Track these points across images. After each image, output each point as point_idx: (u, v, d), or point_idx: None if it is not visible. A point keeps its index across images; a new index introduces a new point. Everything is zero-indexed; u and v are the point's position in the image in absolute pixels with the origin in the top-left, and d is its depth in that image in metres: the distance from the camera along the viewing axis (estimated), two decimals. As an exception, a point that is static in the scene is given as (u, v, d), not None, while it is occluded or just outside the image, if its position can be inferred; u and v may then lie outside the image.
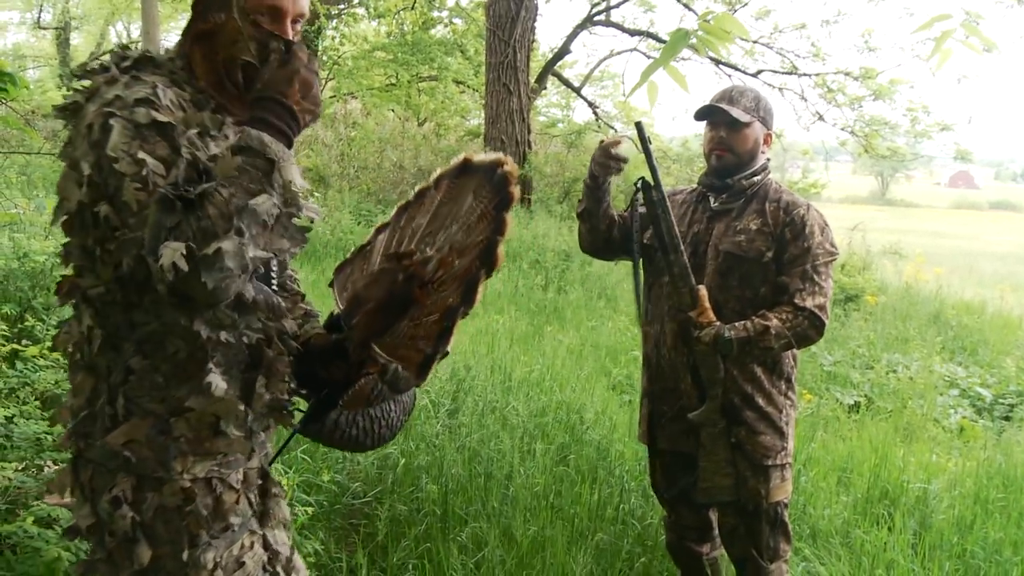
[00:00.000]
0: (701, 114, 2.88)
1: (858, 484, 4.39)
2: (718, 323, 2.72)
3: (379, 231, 1.95)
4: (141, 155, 1.43)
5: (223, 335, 1.55)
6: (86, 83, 1.56)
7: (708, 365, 2.76)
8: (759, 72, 15.67)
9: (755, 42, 15.45)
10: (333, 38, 19.14)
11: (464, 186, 1.81)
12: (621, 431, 4.52)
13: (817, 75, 15.40)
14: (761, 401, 2.78)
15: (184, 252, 1.32)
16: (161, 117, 1.48)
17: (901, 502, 4.20)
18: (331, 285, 1.97)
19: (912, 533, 3.89)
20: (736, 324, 2.71)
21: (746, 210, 2.82)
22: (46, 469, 3.08)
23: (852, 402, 6.46)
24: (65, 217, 1.53)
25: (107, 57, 1.61)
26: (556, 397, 4.98)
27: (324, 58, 18.92)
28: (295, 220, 1.47)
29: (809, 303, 2.68)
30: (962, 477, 4.66)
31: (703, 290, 2.75)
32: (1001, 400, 7.07)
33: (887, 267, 12.59)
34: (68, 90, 1.58)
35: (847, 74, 15.20)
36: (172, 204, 1.35)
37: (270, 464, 1.80)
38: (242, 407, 1.62)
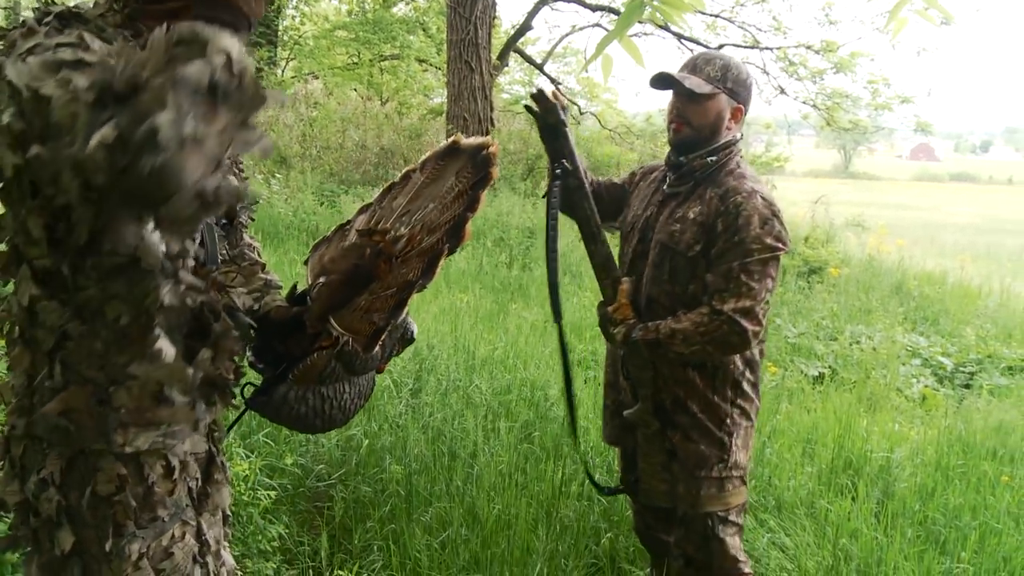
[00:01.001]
0: (654, 82, 2.59)
1: (822, 455, 4.41)
2: (632, 320, 2.56)
3: (361, 211, 1.90)
4: (66, 75, 1.22)
5: (167, 296, 1.42)
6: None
7: (634, 363, 2.61)
8: (721, 46, 15.65)
9: (717, 16, 15.45)
10: (293, 17, 18.95)
11: (447, 167, 1.80)
12: (586, 407, 4.50)
13: (779, 48, 15.44)
14: (695, 407, 2.57)
15: (112, 134, 1.10)
16: (89, 56, 1.30)
17: (865, 471, 4.24)
18: (305, 263, 1.91)
19: (875, 502, 3.92)
20: (648, 324, 2.52)
21: (692, 195, 2.56)
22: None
23: (816, 373, 6.50)
24: (1, 185, 1.43)
25: (28, 14, 1.49)
26: (520, 375, 4.96)
27: (284, 38, 18.71)
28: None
29: (728, 306, 2.39)
30: (924, 445, 4.72)
31: (626, 284, 2.60)
32: (961, 368, 7.16)
33: (850, 239, 12.66)
34: None
35: (808, 47, 15.25)
36: (103, 102, 1.14)
37: (223, 441, 1.75)
38: (190, 371, 1.53)
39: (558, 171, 2.56)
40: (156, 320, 1.45)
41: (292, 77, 18.03)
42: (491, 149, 1.73)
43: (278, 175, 11.98)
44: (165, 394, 1.53)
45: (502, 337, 5.80)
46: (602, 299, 2.67)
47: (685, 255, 2.52)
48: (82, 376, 1.49)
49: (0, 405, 1.66)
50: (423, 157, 1.85)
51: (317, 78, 18.12)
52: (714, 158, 2.55)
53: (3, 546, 1.61)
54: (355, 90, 18.14)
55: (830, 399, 5.59)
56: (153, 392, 1.52)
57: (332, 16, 20.09)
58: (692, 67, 2.57)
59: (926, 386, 6.54)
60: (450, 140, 1.82)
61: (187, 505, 1.63)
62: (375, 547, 3.23)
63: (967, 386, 6.86)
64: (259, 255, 1.90)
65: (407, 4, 18.33)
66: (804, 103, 15.68)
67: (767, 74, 15.69)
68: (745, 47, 15.71)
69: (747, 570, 2.69)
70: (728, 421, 2.58)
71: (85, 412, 1.50)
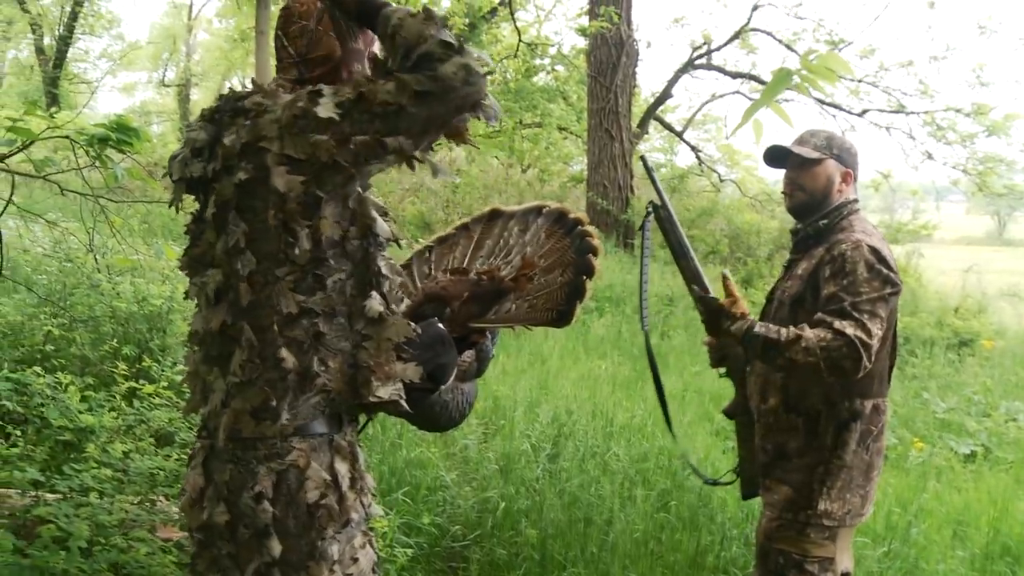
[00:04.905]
0: (768, 157, 2.84)
1: (975, 538, 4.21)
2: (752, 318, 2.63)
3: (419, 255, 2.49)
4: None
5: (383, 266, 1.84)
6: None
7: (732, 355, 2.84)
8: (865, 111, 15.36)
9: (860, 81, 15.16)
10: (438, 87, 19.53)
11: (499, 226, 2.41)
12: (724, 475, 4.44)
13: (926, 113, 15.01)
14: (793, 451, 2.67)
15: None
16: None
17: (1026, 559, 4.01)
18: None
19: (1039, 592, 3.71)
20: (770, 325, 2.60)
21: (805, 255, 2.75)
22: (159, 503, 3.20)
23: (968, 451, 6.19)
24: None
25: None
26: (658, 443, 4.93)
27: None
28: None
29: (851, 332, 2.44)
30: (1093, 534, 4.42)
31: (731, 280, 2.73)
32: None
33: (1005, 310, 12.10)
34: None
35: (958, 111, 14.77)
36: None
37: (359, 434, 1.97)
38: (413, 327, 1.85)
39: (650, 207, 2.82)
40: (374, 284, 1.82)
41: (437, 145, 18.55)
42: (552, 205, 2.38)
43: (421, 240, 12.32)
44: (400, 351, 1.82)
45: (640, 404, 5.79)
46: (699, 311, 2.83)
47: (788, 304, 2.71)
48: (335, 349, 1.78)
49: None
50: (462, 221, 2.49)
51: (459, 146, 18.60)
52: (826, 221, 2.73)
53: (203, 568, 1.82)
54: (497, 158, 18.54)
55: (983, 479, 5.34)
56: (391, 348, 1.80)
57: (475, 86, 20.63)
58: (799, 142, 2.80)
59: (1094, 469, 6.14)
60: (488, 209, 2.46)
61: (366, 517, 1.87)
62: (509, 610, 3.26)
63: None
64: None
65: (548, 74, 18.70)
66: (953, 168, 15.17)
67: (913, 139, 15.25)
68: (890, 111, 15.35)
69: None
70: (821, 469, 2.62)
71: (341, 378, 1.78)
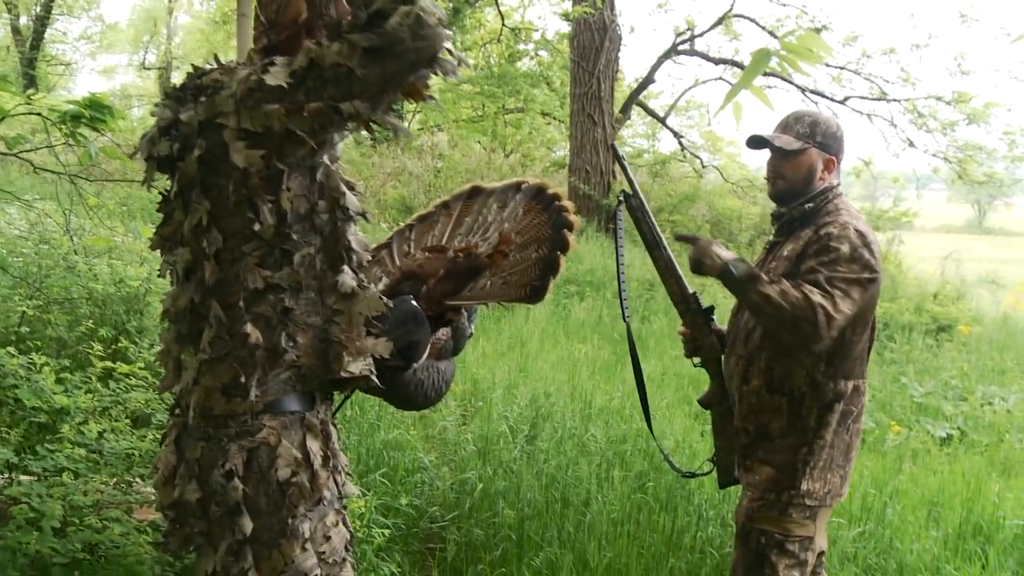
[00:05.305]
0: (750, 142, 2.84)
1: (949, 519, 4.24)
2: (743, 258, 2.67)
3: (398, 235, 2.57)
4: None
5: (352, 239, 1.86)
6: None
7: (707, 345, 2.81)
8: (846, 99, 15.37)
9: (842, 68, 15.17)
10: (420, 71, 19.44)
11: (478, 203, 2.44)
12: (701, 459, 4.46)
13: (907, 100, 15.04)
14: (776, 432, 2.67)
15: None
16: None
17: (997, 539, 4.05)
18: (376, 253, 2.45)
19: (1011, 573, 3.74)
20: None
21: (789, 238, 2.76)
22: (135, 484, 3.19)
23: (944, 435, 6.24)
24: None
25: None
26: (636, 425, 4.94)
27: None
28: None
29: (815, 298, 2.47)
30: (1065, 515, 4.46)
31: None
32: (1108, 435, 6.74)
33: (983, 297, 12.19)
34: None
35: (939, 99, 14.80)
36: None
37: (334, 414, 1.99)
38: (386, 302, 1.88)
39: (621, 196, 2.83)
40: (344, 258, 1.83)
41: (419, 129, 18.49)
42: (531, 182, 2.39)
43: (402, 223, 12.27)
44: (372, 326, 1.84)
45: (619, 387, 5.80)
46: (674, 301, 2.85)
47: None
48: (305, 324, 1.79)
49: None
50: (442, 200, 2.53)
51: (442, 130, 18.56)
52: (811, 204, 2.73)
53: (176, 545, 1.82)
54: (479, 142, 18.49)
55: (959, 461, 5.39)
56: (362, 324, 1.82)
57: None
58: (783, 127, 2.80)
59: (1067, 452, 6.20)
60: (469, 185, 2.48)
61: (339, 496, 1.88)
62: (486, 590, 3.27)
63: (1115, 454, 6.46)
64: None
65: (532, 59, 18.65)
66: (934, 156, 15.21)
67: (894, 126, 15.27)
68: (871, 99, 15.37)
69: None
70: (805, 449, 2.64)
71: (312, 353, 1.79)
